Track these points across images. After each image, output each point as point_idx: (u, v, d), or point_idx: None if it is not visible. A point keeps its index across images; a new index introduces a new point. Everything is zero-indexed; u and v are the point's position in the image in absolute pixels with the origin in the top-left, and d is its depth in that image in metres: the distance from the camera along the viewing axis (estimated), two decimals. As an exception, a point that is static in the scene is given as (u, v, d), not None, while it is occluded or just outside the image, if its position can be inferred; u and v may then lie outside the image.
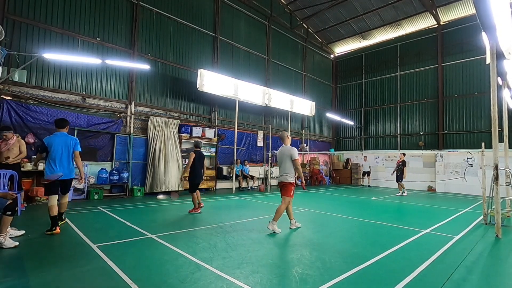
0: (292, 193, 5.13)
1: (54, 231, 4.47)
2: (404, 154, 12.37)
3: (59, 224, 4.81)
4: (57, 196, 4.71)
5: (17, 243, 3.85)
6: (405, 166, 11.91)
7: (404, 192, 11.84)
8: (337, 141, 19.72)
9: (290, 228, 5.28)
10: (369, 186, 16.36)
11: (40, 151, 4.92)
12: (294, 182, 5.14)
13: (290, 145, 5.38)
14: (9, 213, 3.80)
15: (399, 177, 11.82)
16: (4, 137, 5.84)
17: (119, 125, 9.62)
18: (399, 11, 15.66)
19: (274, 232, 4.96)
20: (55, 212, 4.56)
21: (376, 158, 17.38)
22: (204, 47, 12.39)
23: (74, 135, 8.44)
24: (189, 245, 4.13)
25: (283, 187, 5.20)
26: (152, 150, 9.97)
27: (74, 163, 4.86)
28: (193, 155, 6.79)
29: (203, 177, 7.27)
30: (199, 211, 6.78)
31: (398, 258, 3.82)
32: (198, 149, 7.04)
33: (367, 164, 16.50)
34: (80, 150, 4.93)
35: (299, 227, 5.40)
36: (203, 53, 12.32)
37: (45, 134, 8.02)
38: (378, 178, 16.81)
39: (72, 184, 8.17)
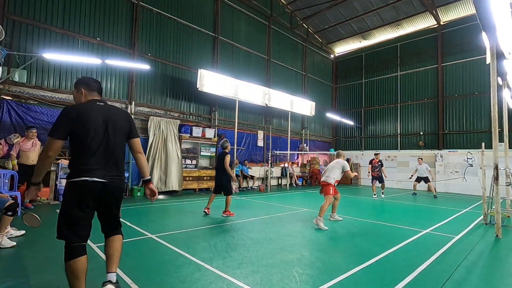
0: (331, 192, 5.94)
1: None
2: (379, 154, 11.59)
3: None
4: None
5: (15, 243, 3.85)
6: (383, 166, 11.11)
7: (382, 194, 11.21)
8: (337, 141, 19.71)
9: (329, 220, 6.21)
10: (434, 196, 11.52)
11: None
12: (333, 184, 6.00)
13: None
14: (10, 213, 3.81)
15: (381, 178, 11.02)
16: (30, 134, 5.87)
17: (119, 125, 9.60)
18: (399, 11, 15.65)
19: (318, 228, 5.41)
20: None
21: (376, 158, 17.38)
22: (204, 47, 12.38)
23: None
24: (189, 245, 4.13)
25: (324, 187, 6.06)
26: (153, 150, 9.96)
27: None
28: None
29: None
30: None
31: (398, 258, 3.82)
32: None
33: (424, 168, 11.76)
34: None
35: (340, 220, 6.26)
36: (203, 53, 12.31)
37: (45, 134, 8.05)
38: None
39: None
